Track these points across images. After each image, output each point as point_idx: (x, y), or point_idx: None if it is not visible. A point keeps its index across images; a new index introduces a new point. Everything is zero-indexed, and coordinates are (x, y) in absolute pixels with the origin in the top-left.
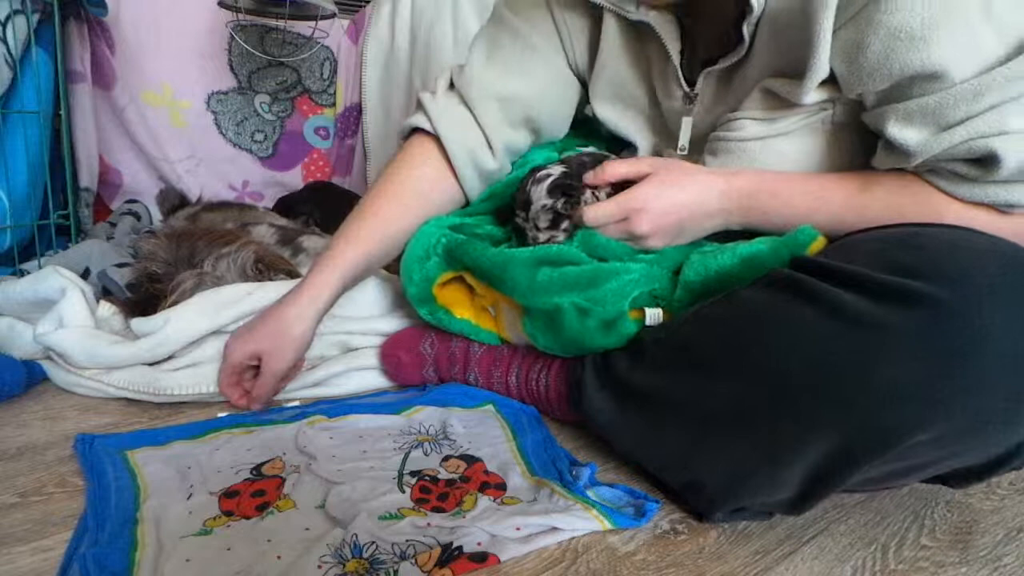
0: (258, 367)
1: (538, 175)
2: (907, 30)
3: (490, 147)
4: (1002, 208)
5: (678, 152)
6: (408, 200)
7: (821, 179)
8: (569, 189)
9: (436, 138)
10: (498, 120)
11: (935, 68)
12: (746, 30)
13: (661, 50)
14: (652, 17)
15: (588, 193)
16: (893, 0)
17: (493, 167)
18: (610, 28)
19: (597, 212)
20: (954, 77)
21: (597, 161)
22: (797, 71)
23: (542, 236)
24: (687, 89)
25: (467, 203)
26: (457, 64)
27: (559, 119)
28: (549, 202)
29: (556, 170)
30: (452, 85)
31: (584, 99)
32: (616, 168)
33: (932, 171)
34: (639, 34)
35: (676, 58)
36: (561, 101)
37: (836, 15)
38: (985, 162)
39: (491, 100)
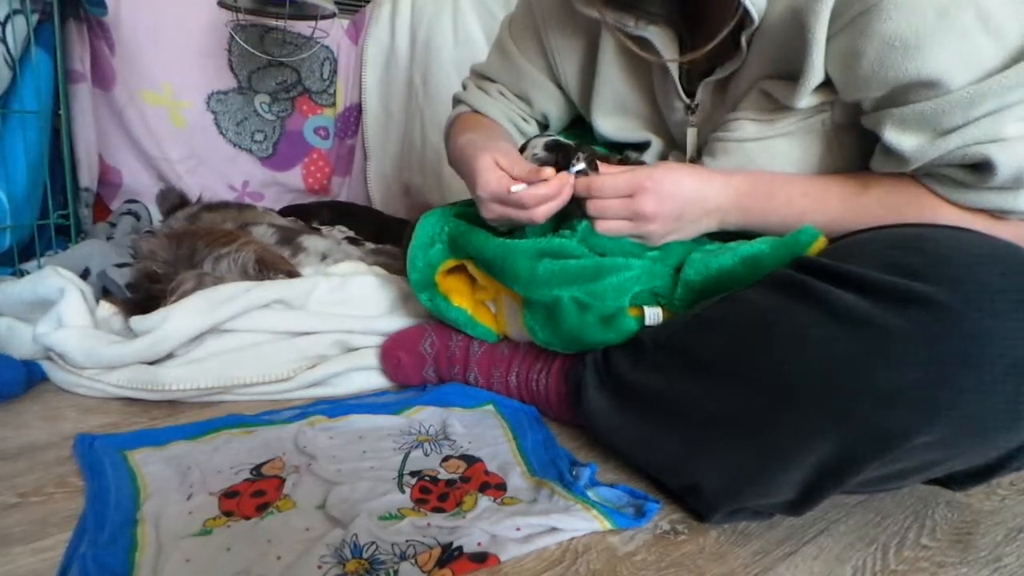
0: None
1: (535, 137)
2: (901, 39)
3: (521, 116)
4: (997, 214)
5: (687, 162)
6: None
7: (819, 180)
8: (565, 147)
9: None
10: (515, 99)
11: (930, 76)
12: (744, 40)
13: (660, 64)
14: (651, 31)
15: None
16: (887, 9)
17: (529, 129)
18: (609, 44)
19: (605, 183)
20: (949, 85)
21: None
22: (792, 75)
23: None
24: (687, 100)
25: None
26: (474, 74)
27: (561, 122)
28: (543, 155)
29: (552, 135)
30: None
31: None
32: (610, 186)
33: (929, 176)
34: (638, 48)
35: (675, 71)
36: (560, 111)
37: (830, 23)
38: (980, 168)
39: (505, 96)
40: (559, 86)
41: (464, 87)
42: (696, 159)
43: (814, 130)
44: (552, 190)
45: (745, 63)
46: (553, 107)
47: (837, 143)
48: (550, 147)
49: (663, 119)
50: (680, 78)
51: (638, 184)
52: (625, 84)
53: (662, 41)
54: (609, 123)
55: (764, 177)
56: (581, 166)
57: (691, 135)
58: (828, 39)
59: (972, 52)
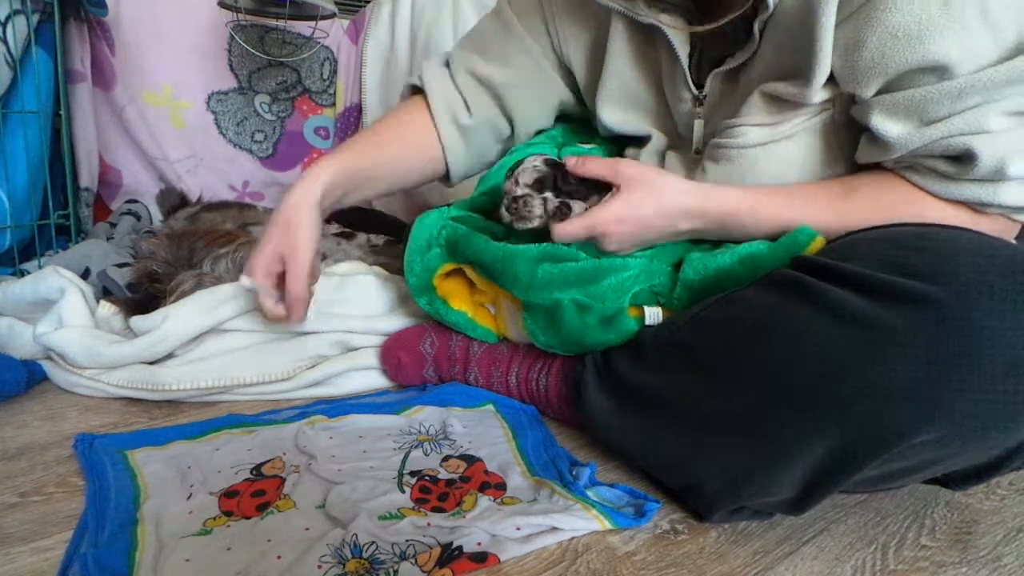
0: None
1: (523, 165)
2: (904, 29)
3: (466, 105)
4: (978, 207)
5: (692, 155)
6: (399, 137)
7: (804, 189)
8: (560, 165)
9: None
10: (473, 87)
11: (930, 66)
12: (756, 28)
13: (670, 53)
14: (662, 19)
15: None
16: None
17: (469, 123)
18: (618, 32)
19: (564, 232)
20: (947, 76)
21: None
22: (800, 70)
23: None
24: (695, 91)
25: (447, 167)
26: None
27: (532, 114)
28: (545, 169)
29: (539, 160)
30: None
31: (573, 102)
32: (592, 167)
33: (911, 168)
34: (648, 37)
35: (684, 60)
36: (537, 98)
37: (838, 10)
38: (962, 160)
39: (468, 74)
40: (554, 69)
41: (429, 60)
42: (701, 151)
43: (817, 131)
44: None
45: (757, 53)
46: (527, 87)
47: (838, 142)
48: (550, 163)
49: (669, 113)
50: (689, 69)
51: (594, 232)
52: (633, 75)
53: (672, 29)
54: (614, 115)
55: (747, 195)
56: (555, 203)
57: (698, 127)
58: (835, 27)
59: (971, 45)
